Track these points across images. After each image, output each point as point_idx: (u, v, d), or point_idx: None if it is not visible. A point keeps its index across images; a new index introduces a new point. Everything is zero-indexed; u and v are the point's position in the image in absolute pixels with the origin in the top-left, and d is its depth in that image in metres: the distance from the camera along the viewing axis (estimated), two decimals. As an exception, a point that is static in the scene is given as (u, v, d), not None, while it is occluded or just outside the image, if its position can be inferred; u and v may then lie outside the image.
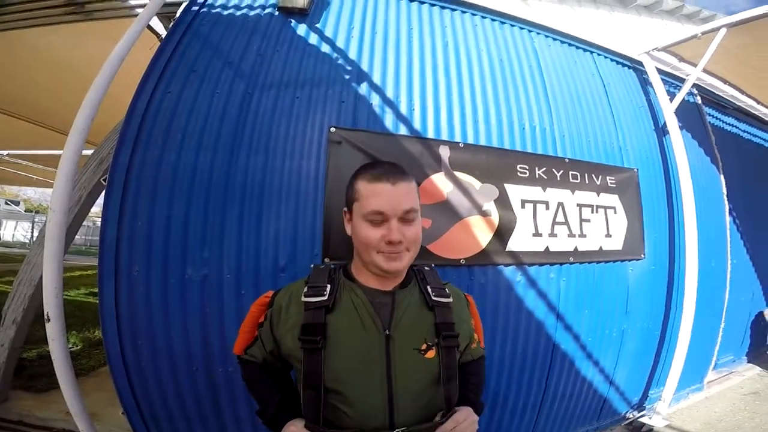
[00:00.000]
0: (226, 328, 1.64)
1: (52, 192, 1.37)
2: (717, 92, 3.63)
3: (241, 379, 1.04)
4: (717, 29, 2.61)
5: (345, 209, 0.96)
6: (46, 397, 2.64)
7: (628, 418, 2.59)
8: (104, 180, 1.80)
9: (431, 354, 0.86)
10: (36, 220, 18.57)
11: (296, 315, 0.88)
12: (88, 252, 14.85)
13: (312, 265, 0.97)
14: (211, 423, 1.69)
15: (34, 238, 16.89)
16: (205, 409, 1.67)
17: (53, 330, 1.38)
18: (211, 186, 1.68)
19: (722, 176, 3.23)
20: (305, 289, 0.89)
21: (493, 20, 2.51)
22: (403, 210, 0.85)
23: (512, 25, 2.56)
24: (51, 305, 1.37)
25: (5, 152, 5.85)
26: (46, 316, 1.36)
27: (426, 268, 1.00)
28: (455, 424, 0.82)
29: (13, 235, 18.68)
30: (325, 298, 0.86)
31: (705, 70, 2.99)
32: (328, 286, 0.89)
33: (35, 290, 2.50)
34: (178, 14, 2.04)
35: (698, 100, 3.43)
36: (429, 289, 0.93)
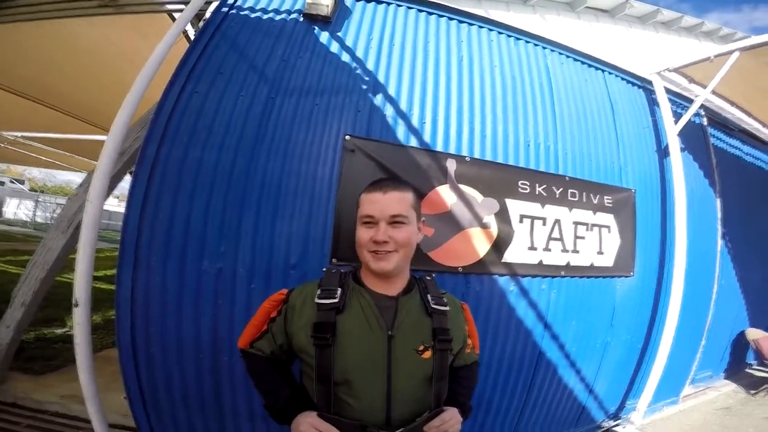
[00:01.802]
0: (235, 320, 1.75)
1: (91, 184, 1.48)
2: (724, 113, 3.68)
3: (246, 372, 1.11)
4: (730, 52, 2.65)
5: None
6: (43, 380, 2.66)
7: (603, 427, 2.74)
8: (131, 172, 1.90)
9: (427, 355, 0.97)
10: (40, 199, 18.48)
11: (309, 314, 0.98)
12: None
13: (324, 269, 1.07)
14: (210, 411, 1.79)
15: (37, 218, 16.93)
16: (205, 397, 1.77)
17: (80, 315, 1.47)
18: (231, 184, 1.78)
19: (719, 200, 3.32)
20: (318, 292, 1.00)
21: (508, 36, 2.57)
22: (390, 215, 0.97)
23: (527, 42, 2.62)
24: (81, 290, 1.45)
25: (19, 134, 5.94)
26: (74, 302, 1.44)
27: (427, 277, 1.11)
28: (441, 422, 0.94)
29: (15, 213, 18.71)
30: (336, 300, 0.97)
31: (714, 92, 3.03)
32: (339, 289, 1.00)
33: (47, 274, 2.53)
34: (207, 14, 2.12)
35: (704, 121, 3.48)
36: (429, 297, 1.04)
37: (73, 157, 7.91)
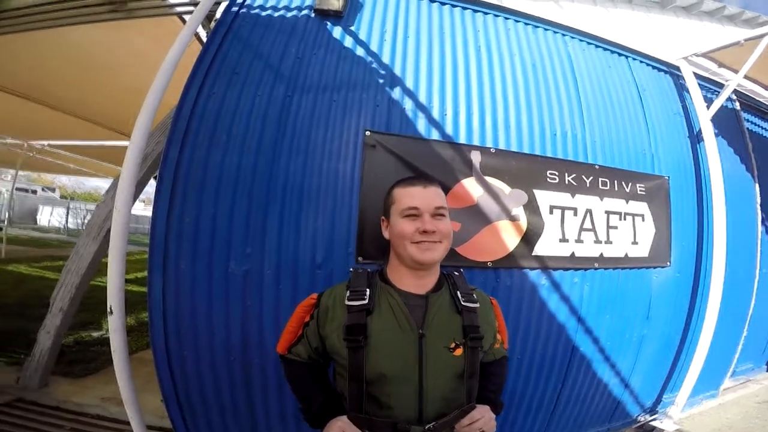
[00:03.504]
0: (265, 321, 1.74)
1: (117, 193, 1.48)
2: (757, 97, 3.51)
3: (282, 375, 1.14)
4: (762, 36, 2.52)
5: (383, 217, 1.09)
6: (83, 383, 2.77)
7: (639, 421, 2.63)
8: (155, 177, 1.91)
9: (458, 352, 0.96)
10: (71, 206, 19.10)
11: (340, 317, 0.98)
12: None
13: (351, 269, 1.07)
14: (243, 413, 1.79)
15: (69, 224, 17.55)
16: (238, 398, 1.77)
17: (115, 323, 1.48)
18: (254, 185, 1.77)
19: (757, 185, 3.16)
20: (347, 294, 0.99)
21: (526, 24, 2.49)
22: (435, 206, 0.99)
23: (545, 29, 2.54)
24: (115, 298, 1.46)
25: (46, 142, 6.14)
26: (109, 309, 1.46)
27: (455, 273, 1.10)
28: (471, 421, 0.92)
29: (49, 220, 19.40)
30: (366, 302, 0.97)
31: (746, 76, 2.90)
32: (368, 290, 0.99)
33: (81, 279, 2.63)
34: (218, 14, 2.11)
35: (737, 105, 3.33)
36: (459, 294, 1.02)
37: (100, 164, 8.18)
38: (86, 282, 2.66)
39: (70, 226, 17.55)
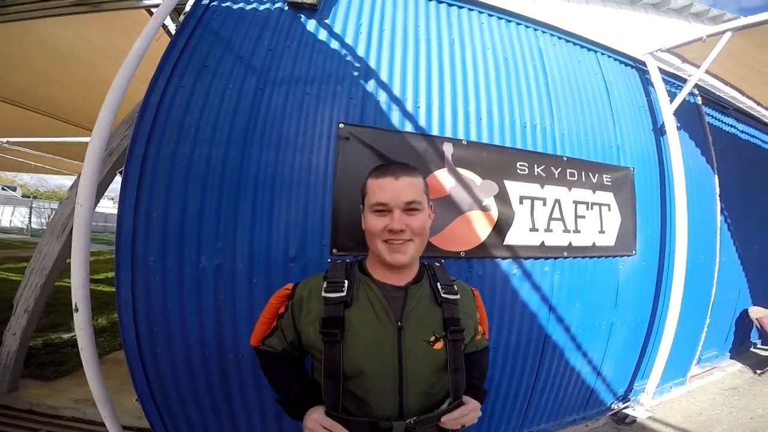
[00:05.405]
0: (239, 316, 1.72)
1: (79, 187, 1.43)
2: (718, 93, 3.67)
3: (259, 368, 1.10)
4: (722, 33, 2.63)
5: (361, 206, 1.03)
6: (55, 385, 2.69)
7: (613, 409, 2.72)
8: (120, 172, 1.86)
9: (439, 345, 0.93)
10: (33, 205, 18.23)
11: (317, 309, 0.95)
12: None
13: (329, 260, 1.04)
14: (222, 409, 1.77)
15: (32, 224, 16.74)
16: (216, 394, 1.75)
17: (81, 320, 1.44)
18: (224, 178, 1.74)
19: (716, 176, 3.31)
20: (324, 285, 0.96)
21: (499, 19, 2.53)
22: (405, 201, 0.92)
23: (518, 24, 2.59)
24: (79, 296, 1.42)
25: (5, 140, 5.81)
26: (74, 307, 1.41)
27: (436, 264, 1.08)
28: (461, 414, 0.91)
29: (11, 220, 18.44)
30: (344, 294, 0.93)
31: (707, 72, 3.03)
32: (346, 282, 0.96)
33: (46, 279, 2.53)
34: (188, 7, 2.07)
35: (698, 100, 3.47)
36: (439, 286, 1.00)
37: (63, 161, 7.79)
38: (51, 282, 2.57)
39: (34, 225, 16.72)
